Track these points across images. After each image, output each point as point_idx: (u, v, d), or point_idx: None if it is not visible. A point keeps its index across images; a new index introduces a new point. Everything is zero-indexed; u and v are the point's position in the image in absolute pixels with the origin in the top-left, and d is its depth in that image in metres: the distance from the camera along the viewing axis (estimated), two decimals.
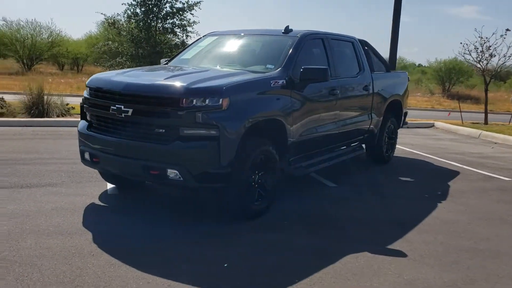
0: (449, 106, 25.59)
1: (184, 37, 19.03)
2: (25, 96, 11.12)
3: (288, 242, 4.27)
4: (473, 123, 15.28)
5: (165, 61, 6.50)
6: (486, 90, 16.45)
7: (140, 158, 4.45)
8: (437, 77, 39.60)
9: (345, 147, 6.93)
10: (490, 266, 3.95)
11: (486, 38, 15.62)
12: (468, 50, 16.06)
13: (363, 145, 7.47)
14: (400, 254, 4.11)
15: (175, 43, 18.77)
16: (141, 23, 18.27)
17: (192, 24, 18.81)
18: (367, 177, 7.01)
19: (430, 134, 12.70)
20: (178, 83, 4.44)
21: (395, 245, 4.29)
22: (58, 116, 11.15)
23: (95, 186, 5.63)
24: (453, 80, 38.73)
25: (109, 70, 14.44)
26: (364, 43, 7.36)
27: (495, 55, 15.81)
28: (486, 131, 12.49)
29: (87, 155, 4.95)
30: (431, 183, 6.80)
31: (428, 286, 3.54)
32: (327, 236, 4.50)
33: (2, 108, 11.08)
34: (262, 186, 4.87)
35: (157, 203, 5.31)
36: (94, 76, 5.21)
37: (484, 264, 4.00)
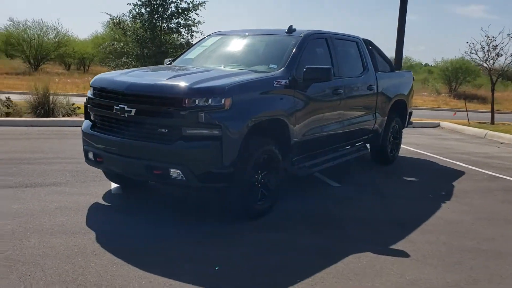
0: (456, 106, 25.45)
1: (189, 37, 19.09)
2: (31, 96, 11.20)
3: (291, 242, 4.27)
4: (479, 123, 15.19)
5: (169, 61, 6.52)
6: (492, 90, 16.35)
7: (143, 158, 4.47)
8: (444, 77, 39.38)
9: (349, 147, 6.91)
10: (493, 267, 3.93)
11: (493, 37, 15.54)
12: (475, 50, 15.98)
13: (368, 145, 7.44)
14: (402, 254, 4.10)
15: (180, 43, 18.79)
16: (146, 23, 18.31)
17: (197, 24, 18.85)
18: (371, 177, 6.99)
19: (436, 134, 12.65)
20: (180, 83, 4.45)
21: (398, 245, 4.28)
22: (63, 116, 11.22)
23: (99, 186, 5.66)
24: (459, 80, 38.51)
25: (115, 70, 14.47)
26: (368, 42, 7.34)
27: (501, 55, 15.72)
28: (492, 131, 12.41)
29: (90, 155, 4.98)
30: (436, 183, 6.78)
31: (431, 287, 3.53)
32: (330, 236, 4.49)
33: (8, 107, 11.14)
34: (265, 186, 4.87)
35: (160, 202, 5.33)
36: (97, 76, 5.23)
37: (487, 264, 3.98)
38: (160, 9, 18.55)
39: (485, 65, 16.24)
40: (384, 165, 7.67)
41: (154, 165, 4.42)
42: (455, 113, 18.32)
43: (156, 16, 18.59)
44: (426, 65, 57.06)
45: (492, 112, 15.92)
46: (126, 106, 4.48)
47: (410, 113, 8.46)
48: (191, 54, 6.35)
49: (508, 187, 6.73)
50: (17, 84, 18.73)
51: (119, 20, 18.83)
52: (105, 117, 4.82)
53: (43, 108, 11.00)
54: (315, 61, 5.60)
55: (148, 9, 18.54)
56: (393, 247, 4.25)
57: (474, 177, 7.26)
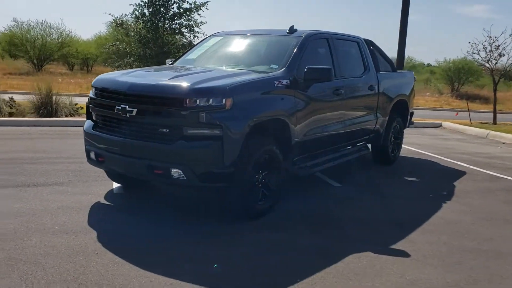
0: (458, 106, 25.42)
1: (192, 38, 19.09)
2: (34, 96, 11.24)
3: (291, 242, 4.28)
4: (481, 123, 15.17)
5: (171, 61, 6.55)
6: (495, 90, 16.35)
7: (144, 158, 4.49)
8: (446, 77, 39.31)
9: (350, 147, 6.92)
10: (493, 267, 3.94)
11: (495, 37, 15.53)
12: (477, 50, 15.97)
13: (369, 145, 7.45)
14: (403, 254, 4.11)
15: (183, 43, 18.81)
16: (148, 24, 18.33)
17: (199, 25, 18.85)
18: (372, 177, 7.00)
19: (437, 134, 12.64)
20: (182, 83, 4.47)
21: (398, 245, 4.29)
22: (66, 116, 11.25)
23: (101, 185, 5.68)
24: (462, 80, 38.44)
25: (117, 70, 14.51)
26: (369, 42, 7.35)
27: (504, 55, 15.73)
28: (494, 131, 12.40)
29: (92, 155, 5.00)
30: (437, 183, 6.78)
31: (431, 287, 3.53)
32: (330, 236, 4.50)
33: (11, 108, 11.20)
34: (266, 186, 4.88)
35: (161, 202, 5.35)
36: (99, 76, 5.26)
37: (487, 264, 3.98)
38: (162, 9, 18.56)
39: (487, 65, 16.24)
40: (385, 165, 7.68)
41: (155, 165, 4.44)
42: (457, 113, 18.31)
43: (158, 17, 18.60)
44: (429, 65, 56.98)
45: (494, 112, 15.91)
46: (127, 106, 4.50)
47: (412, 113, 8.47)
48: (192, 55, 6.37)
49: (509, 187, 6.73)
50: (21, 85, 18.79)
51: (121, 20, 18.87)
52: (107, 117, 4.84)
53: (46, 108, 11.05)
54: (316, 62, 5.61)
55: (150, 10, 18.54)
56: (393, 247, 4.26)
57: (475, 177, 7.26)
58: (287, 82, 5.08)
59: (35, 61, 33.23)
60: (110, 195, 5.40)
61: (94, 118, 5.07)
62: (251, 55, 6.01)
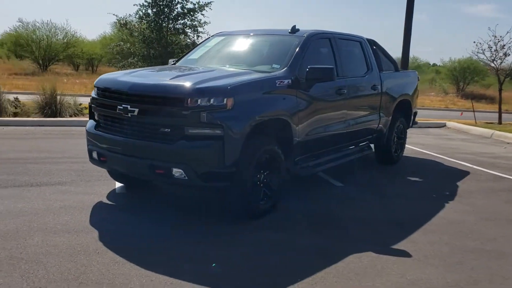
0: (463, 106, 25.30)
1: (195, 38, 19.14)
2: (38, 96, 11.31)
3: (291, 242, 4.28)
4: (487, 123, 15.09)
5: (173, 61, 6.56)
6: (500, 90, 16.25)
7: (145, 157, 4.50)
8: (451, 77, 39.16)
9: (353, 146, 6.91)
10: (495, 267, 3.91)
11: (500, 37, 15.45)
12: (482, 49, 15.90)
13: (372, 145, 7.43)
14: (404, 254, 4.09)
15: (186, 43, 18.84)
16: (152, 24, 18.39)
17: (203, 25, 18.90)
18: (375, 177, 6.98)
19: (442, 134, 12.59)
20: (183, 83, 4.48)
21: (400, 245, 4.27)
22: (70, 116, 11.32)
23: (104, 185, 5.70)
24: (467, 80, 38.27)
25: (121, 70, 14.57)
26: (372, 42, 7.33)
27: (509, 54, 15.61)
28: (499, 131, 12.33)
29: (95, 154, 5.02)
30: (440, 183, 6.75)
31: (431, 287, 3.52)
32: (331, 236, 4.50)
33: (16, 108, 11.28)
34: (268, 186, 4.88)
35: (162, 202, 5.36)
36: (101, 76, 5.28)
37: (489, 265, 3.96)
38: (166, 9, 18.61)
39: (492, 64, 16.15)
40: (388, 165, 7.66)
41: (157, 164, 4.45)
42: (462, 113, 18.23)
43: (162, 17, 18.65)
44: (434, 65, 56.76)
45: (500, 112, 15.82)
46: (129, 106, 4.51)
47: (415, 113, 8.43)
48: (194, 55, 6.39)
49: None
50: (26, 85, 18.89)
51: (125, 20, 18.92)
52: (109, 117, 4.86)
53: (50, 108, 11.12)
54: (318, 61, 5.60)
55: (154, 10, 18.60)
56: (394, 247, 4.24)
57: (479, 177, 7.22)
58: (288, 81, 5.08)
59: (40, 62, 33.42)
60: (112, 194, 5.42)
61: (96, 118, 5.09)
62: (253, 55, 6.01)
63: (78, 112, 11.66)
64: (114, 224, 4.53)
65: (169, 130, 4.40)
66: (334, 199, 5.68)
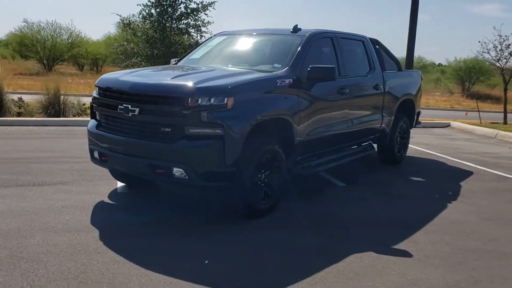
0: (469, 106, 25.19)
1: (199, 38, 19.16)
2: (42, 96, 11.35)
3: (292, 242, 4.26)
4: (491, 123, 15.00)
5: (175, 61, 6.57)
6: (505, 89, 16.16)
7: (146, 157, 4.51)
8: (457, 77, 39.01)
9: (355, 146, 6.89)
10: (496, 267, 3.89)
11: (506, 36, 15.36)
12: (487, 49, 15.81)
13: (375, 145, 7.40)
14: (405, 254, 4.08)
15: (190, 43, 18.87)
16: (156, 24, 18.45)
17: (206, 25, 18.93)
18: (378, 177, 6.95)
19: (446, 134, 12.54)
20: (183, 83, 4.49)
21: (401, 245, 4.25)
22: (74, 116, 11.35)
23: (106, 185, 5.71)
24: (473, 80, 38.11)
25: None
26: (375, 42, 7.31)
27: None
28: (504, 131, 12.25)
29: (96, 154, 5.03)
30: (443, 183, 6.72)
31: (431, 287, 3.50)
32: (332, 236, 4.48)
33: (20, 107, 11.32)
34: (269, 185, 4.87)
35: (163, 202, 5.36)
36: (103, 76, 5.29)
37: (490, 265, 3.94)
38: (169, 9, 18.66)
39: (497, 64, 16.06)
40: (391, 165, 7.63)
41: (157, 164, 4.46)
42: (467, 113, 18.14)
43: (165, 17, 18.71)
44: (439, 65, 56.57)
45: (505, 112, 15.72)
46: (130, 106, 4.52)
47: (418, 113, 8.41)
48: (196, 54, 6.39)
49: None
50: (30, 85, 18.98)
51: (129, 20, 18.98)
52: (110, 117, 4.87)
53: (54, 108, 11.16)
54: (320, 61, 5.59)
55: (158, 10, 18.66)
56: (395, 247, 4.23)
57: (482, 177, 7.18)
58: (290, 81, 5.07)
59: (45, 62, 33.59)
60: (114, 194, 5.43)
61: (97, 117, 5.10)
62: (254, 55, 6.01)
63: (81, 112, 11.69)
64: (115, 224, 4.53)
65: (169, 129, 4.41)
66: (336, 199, 5.67)
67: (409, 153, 8.27)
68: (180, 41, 18.83)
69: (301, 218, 4.94)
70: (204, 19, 18.91)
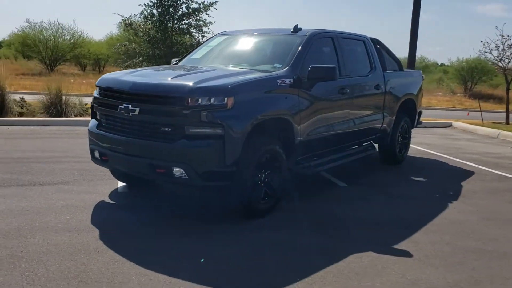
0: (471, 106, 25.13)
1: (200, 38, 19.15)
2: (44, 96, 11.37)
3: (292, 242, 4.26)
4: (494, 123, 14.97)
5: (176, 61, 6.58)
6: (507, 89, 16.11)
7: (146, 157, 4.51)
8: (459, 76, 38.94)
9: (356, 146, 6.88)
10: (496, 267, 3.88)
11: (508, 36, 15.33)
12: (489, 49, 15.78)
13: (376, 145, 7.40)
14: (405, 254, 4.07)
15: (191, 43, 18.86)
16: (157, 24, 18.44)
17: (207, 25, 18.92)
18: (379, 177, 6.95)
19: (448, 134, 12.51)
20: (183, 82, 4.49)
21: (401, 245, 4.25)
22: (75, 116, 11.37)
23: (106, 184, 5.72)
24: (475, 79, 38.02)
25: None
26: (376, 41, 7.30)
27: None
28: (506, 131, 12.22)
29: (97, 154, 5.04)
30: (444, 183, 6.71)
31: (431, 287, 3.50)
32: (333, 235, 4.48)
33: (22, 107, 11.35)
34: (269, 185, 4.87)
35: (164, 201, 5.37)
36: (103, 76, 5.30)
37: (490, 265, 3.93)
38: (171, 9, 18.65)
39: (500, 64, 16.02)
40: (392, 165, 7.62)
41: (158, 163, 4.46)
42: (469, 113, 18.11)
43: (167, 17, 18.69)
44: (442, 65, 56.47)
45: (507, 112, 15.68)
46: (130, 106, 4.52)
47: (420, 113, 8.39)
48: (197, 54, 6.39)
49: None
50: (33, 85, 19.01)
51: (130, 21, 18.98)
52: (110, 116, 4.88)
53: (56, 108, 11.18)
54: (320, 60, 5.58)
55: (159, 10, 18.65)
56: (395, 247, 4.22)
57: (483, 177, 7.17)
58: (290, 81, 5.07)
59: (47, 62, 33.66)
60: (114, 194, 5.44)
61: (98, 117, 5.11)
62: (255, 54, 6.01)
63: (83, 112, 11.71)
64: (115, 223, 4.54)
65: (169, 129, 4.41)
66: (336, 199, 5.66)
67: (410, 153, 8.25)
68: (181, 41, 18.83)
69: (301, 218, 4.94)
70: (205, 19, 18.92)
